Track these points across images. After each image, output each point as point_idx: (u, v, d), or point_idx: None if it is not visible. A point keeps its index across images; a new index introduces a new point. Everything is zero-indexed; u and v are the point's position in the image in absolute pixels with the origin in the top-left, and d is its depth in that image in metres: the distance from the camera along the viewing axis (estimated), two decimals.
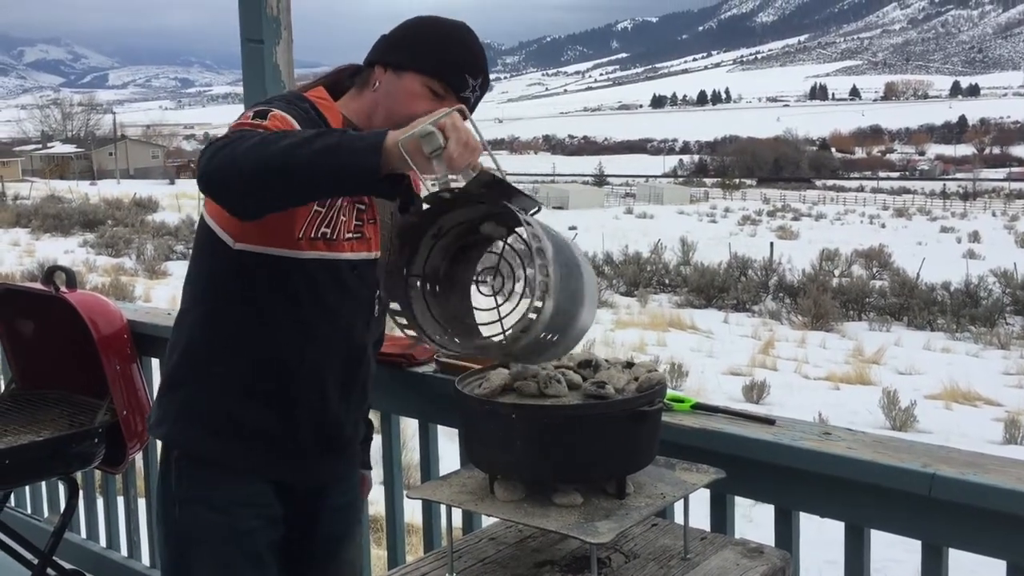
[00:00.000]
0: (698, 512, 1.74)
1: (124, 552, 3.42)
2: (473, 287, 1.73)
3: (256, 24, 2.54)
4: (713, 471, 1.71)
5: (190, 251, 2.06)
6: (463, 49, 1.83)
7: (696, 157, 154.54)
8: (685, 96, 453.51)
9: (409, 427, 2.70)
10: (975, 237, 38.80)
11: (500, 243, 1.66)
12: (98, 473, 3.45)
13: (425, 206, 1.52)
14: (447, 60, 1.81)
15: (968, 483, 1.58)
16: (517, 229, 1.57)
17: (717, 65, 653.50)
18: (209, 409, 1.84)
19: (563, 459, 1.56)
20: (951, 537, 1.67)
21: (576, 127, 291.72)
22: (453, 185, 1.48)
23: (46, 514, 3.74)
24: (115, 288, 17.50)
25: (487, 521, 1.93)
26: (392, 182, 1.49)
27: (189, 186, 54.96)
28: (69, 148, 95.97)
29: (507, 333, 1.48)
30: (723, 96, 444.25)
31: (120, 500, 3.45)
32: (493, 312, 1.62)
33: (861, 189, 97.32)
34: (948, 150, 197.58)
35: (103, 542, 3.51)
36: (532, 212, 1.52)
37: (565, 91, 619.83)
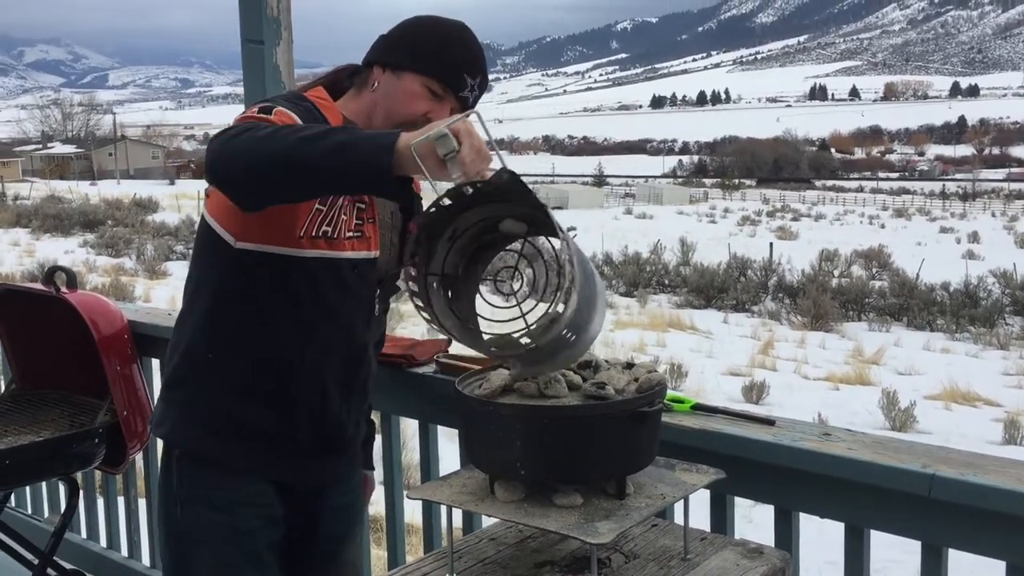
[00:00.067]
0: (698, 513, 1.74)
1: (124, 552, 3.43)
2: (484, 286, 1.71)
3: (256, 25, 2.55)
4: (713, 472, 1.71)
5: (190, 251, 2.07)
6: (462, 49, 1.83)
7: (696, 157, 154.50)
8: (685, 96, 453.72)
9: (409, 427, 2.70)
10: (974, 237, 38.80)
11: (518, 242, 1.64)
12: (98, 473, 3.45)
13: (446, 201, 1.50)
14: (446, 60, 1.81)
15: (968, 484, 1.58)
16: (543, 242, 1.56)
17: (717, 66, 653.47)
18: (209, 409, 1.85)
19: (563, 460, 1.56)
20: (951, 538, 1.67)
21: (576, 127, 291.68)
22: (476, 179, 1.47)
23: (46, 514, 3.74)
24: (115, 288, 17.50)
25: (487, 521, 1.93)
26: (400, 183, 1.50)
27: (189, 186, 55.00)
28: (69, 148, 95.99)
29: (532, 327, 1.47)
30: (723, 96, 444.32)
31: (120, 500, 3.45)
32: (510, 310, 1.61)
33: (860, 189, 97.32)
34: (947, 150, 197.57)
35: (103, 542, 3.51)
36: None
37: (565, 91, 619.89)
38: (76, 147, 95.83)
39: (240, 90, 2.67)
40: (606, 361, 1.73)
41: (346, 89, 1.90)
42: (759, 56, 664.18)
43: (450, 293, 1.63)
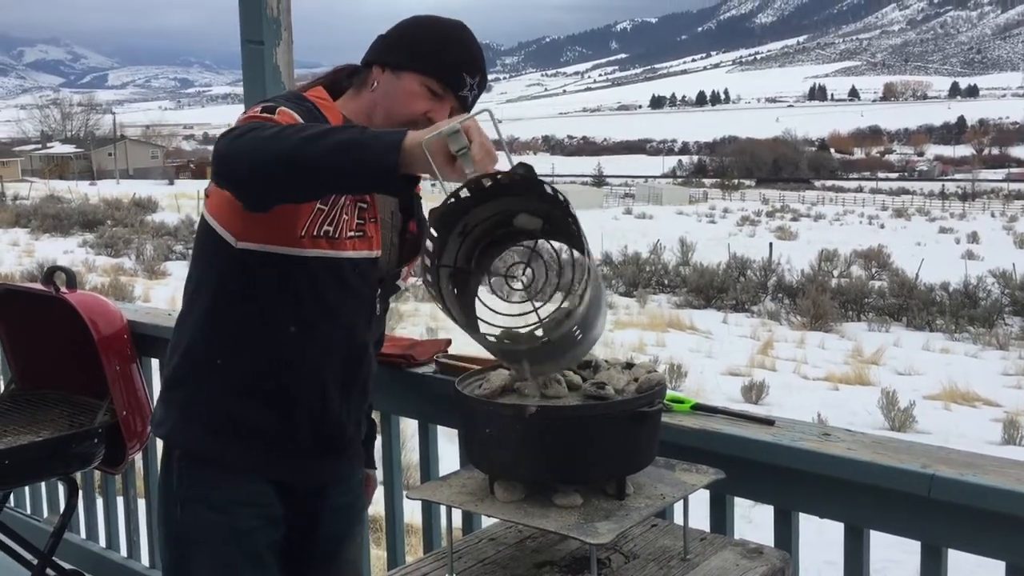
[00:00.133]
0: (698, 513, 1.74)
1: (124, 552, 3.43)
2: (495, 280, 1.71)
3: (256, 25, 2.55)
4: (713, 472, 1.71)
5: (190, 251, 2.07)
6: (461, 48, 1.83)
7: (695, 158, 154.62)
8: (684, 97, 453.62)
9: (409, 427, 2.70)
10: (974, 238, 38.81)
11: (532, 237, 1.64)
12: (97, 473, 3.45)
13: (465, 192, 1.49)
14: (445, 59, 1.81)
15: (967, 484, 1.58)
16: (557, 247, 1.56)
17: (716, 66, 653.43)
18: (209, 409, 1.85)
19: (563, 460, 1.56)
20: (950, 538, 1.67)
21: (575, 127, 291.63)
22: (495, 171, 1.47)
23: (46, 514, 3.74)
24: (114, 288, 17.49)
25: (487, 522, 1.93)
26: (407, 182, 1.49)
27: (188, 186, 54.97)
28: (68, 148, 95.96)
29: (546, 320, 1.47)
30: (722, 97, 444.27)
31: (120, 500, 3.45)
32: (521, 305, 1.60)
33: (860, 190, 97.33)
34: (947, 151, 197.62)
35: (103, 542, 3.51)
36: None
37: (564, 92, 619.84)
38: (75, 147, 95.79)
39: (239, 90, 2.66)
40: (606, 361, 1.73)
41: (345, 89, 1.90)
42: (758, 56, 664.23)
43: (455, 289, 1.63)
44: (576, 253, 1.43)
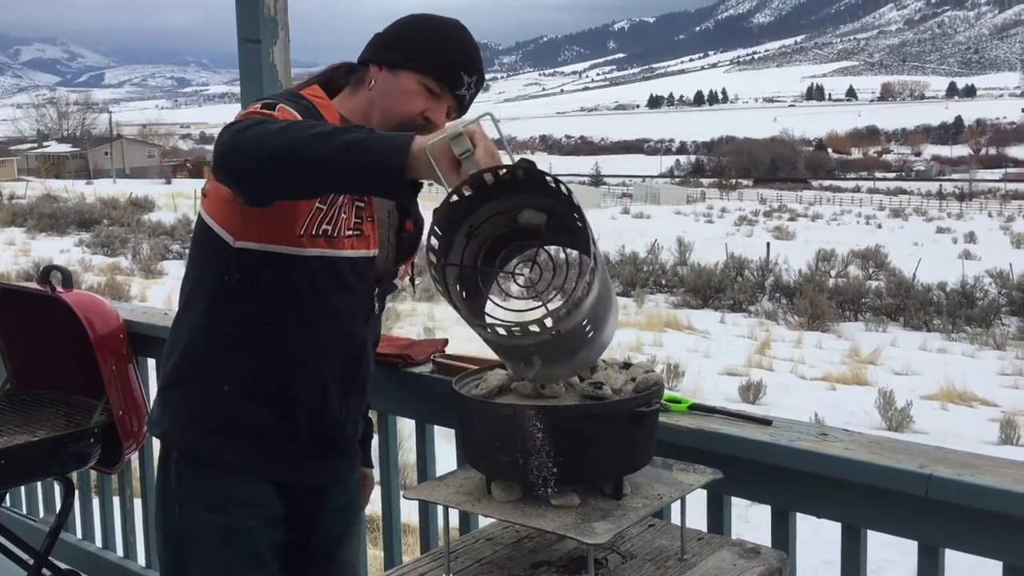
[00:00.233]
0: (695, 513, 1.74)
1: (120, 552, 3.42)
2: (502, 276, 1.71)
3: (253, 24, 2.54)
4: (710, 472, 1.71)
5: (186, 251, 2.06)
6: (458, 47, 1.83)
7: (693, 157, 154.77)
8: (682, 96, 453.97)
9: (406, 427, 2.70)
10: (971, 238, 38.86)
11: (537, 232, 1.63)
12: (94, 473, 3.45)
13: (467, 191, 1.48)
14: (442, 58, 1.81)
15: (964, 484, 1.58)
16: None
17: (714, 65, 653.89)
18: (208, 408, 1.84)
19: (560, 460, 1.56)
20: (947, 538, 1.67)
21: (573, 127, 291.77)
22: (497, 166, 1.46)
23: (42, 514, 3.73)
24: (111, 288, 17.46)
25: (484, 522, 1.92)
26: (412, 187, 1.49)
27: (185, 185, 54.89)
28: (65, 147, 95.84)
29: (555, 310, 1.46)
30: (720, 96, 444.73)
31: (116, 500, 3.44)
32: (528, 300, 1.59)
33: (857, 189, 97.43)
34: (944, 151, 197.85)
35: (99, 542, 3.50)
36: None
37: (562, 91, 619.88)
38: (72, 146, 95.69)
39: (237, 89, 2.66)
40: (603, 361, 1.72)
41: (342, 87, 1.90)
42: (756, 56, 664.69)
43: (462, 290, 1.62)
44: (590, 241, 1.43)
